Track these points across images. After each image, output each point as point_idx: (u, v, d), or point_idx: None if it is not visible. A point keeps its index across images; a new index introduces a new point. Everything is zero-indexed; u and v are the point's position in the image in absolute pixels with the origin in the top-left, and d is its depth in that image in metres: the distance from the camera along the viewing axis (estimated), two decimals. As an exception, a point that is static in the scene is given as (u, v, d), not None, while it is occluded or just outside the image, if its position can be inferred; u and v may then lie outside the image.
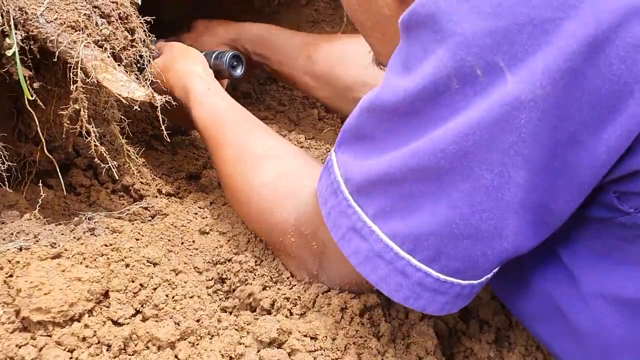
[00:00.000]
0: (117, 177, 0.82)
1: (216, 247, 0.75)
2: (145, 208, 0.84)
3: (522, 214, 0.48)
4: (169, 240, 0.76)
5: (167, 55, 0.92)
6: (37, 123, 0.73)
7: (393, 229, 0.52)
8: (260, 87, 1.29)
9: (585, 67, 0.42)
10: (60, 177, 0.78)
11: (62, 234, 0.72)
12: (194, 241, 0.77)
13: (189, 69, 0.87)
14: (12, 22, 0.65)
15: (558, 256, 0.57)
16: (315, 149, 1.09)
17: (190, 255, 0.75)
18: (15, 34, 0.66)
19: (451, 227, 0.49)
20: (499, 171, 0.46)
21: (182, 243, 0.77)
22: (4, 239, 0.70)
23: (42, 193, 0.76)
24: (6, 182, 0.71)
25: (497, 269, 0.54)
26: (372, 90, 0.55)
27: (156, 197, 0.90)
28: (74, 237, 0.71)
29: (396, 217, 0.52)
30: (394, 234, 0.52)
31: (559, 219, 0.50)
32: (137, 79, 0.73)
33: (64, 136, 0.84)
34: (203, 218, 0.82)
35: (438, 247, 0.50)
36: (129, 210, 0.83)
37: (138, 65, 0.75)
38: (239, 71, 0.97)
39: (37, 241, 0.69)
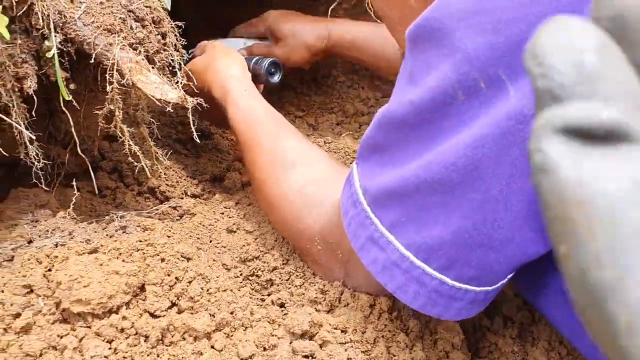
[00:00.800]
0: (149, 176, 0.84)
1: (243, 245, 0.77)
2: (174, 208, 0.86)
3: (533, 222, 0.49)
4: (198, 238, 0.78)
5: (208, 54, 0.95)
6: (72, 124, 0.76)
7: (408, 238, 0.54)
8: (278, 93, 1.31)
9: None
10: (93, 177, 0.80)
11: (95, 232, 0.74)
12: (221, 239, 0.79)
13: (229, 69, 0.89)
14: (51, 25, 0.68)
15: None
16: (334, 152, 1.11)
17: (219, 253, 0.77)
18: (55, 36, 0.68)
19: (464, 236, 0.51)
20: (507, 182, 0.48)
21: (211, 241, 0.78)
22: (39, 236, 0.72)
23: (74, 192, 0.78)
24: (42, 181, 0.73)
25: (511, 275, 0.55)
26: (384, 106, 0.57)
27: (182, 198, 0.92)
28: (107, 235, 0.73)
29: (411, 228, 0.54)
30: (409, 244, 0.54)
31: None
32: (170, 81, 0.75)
33: (90, 139, 0.87)
34: (229, 217, 0.83)
35: (452, 255, 0.52)
36: (157, 209, 0.85)
37: (170, 68, 0.77)
38: (276, 78, 1.00)
39: (72, 237, 0.71)
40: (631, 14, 0.19)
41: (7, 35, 0.59)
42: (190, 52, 1.03)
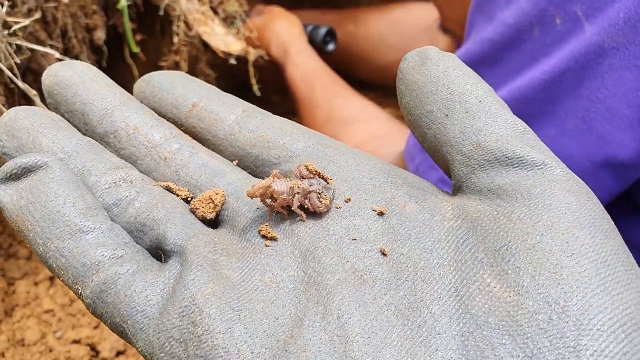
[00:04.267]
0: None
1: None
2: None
3: (603, 165, 0.49)
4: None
5: (268, 15, 0.96)
6: (136, 76, 0.77)
7: None
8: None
9: None
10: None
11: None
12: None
13: (288, 30, 0.91)
14: (121, -24, 0.69)
15: (635, 205, 0.59)
16: (384, 107, 1.11)
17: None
18: (124, -13, 0.69)
19: None
20: (583, 117, 0.48)
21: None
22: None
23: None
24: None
25: None
26: (458, 49, 0.57)
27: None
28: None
29: None
30: None
31: (638, 172, 0.51)
32: (233, 33, 0.76)
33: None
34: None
35: None
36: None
37: (232, 20, 0.77)
38: (331, 46, 1.01)
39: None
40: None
41: (86, -14, 0.61)
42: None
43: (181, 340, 0.22)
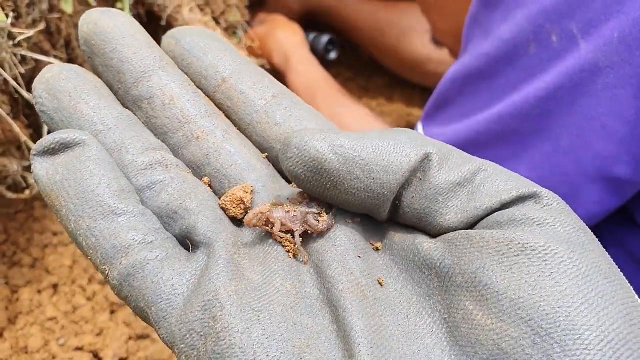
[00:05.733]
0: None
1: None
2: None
3: (599, 181, 0.50)
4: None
5: (270, 24, 0.97)
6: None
7: None
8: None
9: None
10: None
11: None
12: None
13: (291, 38, 0.93)
14: (124, -13, 0.70)
15: (635, 220, 0.59)
16: (387, 115, 1.11)
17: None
18: (127, -2, 0.70)
19: None
20: (578, 134, 0.48)
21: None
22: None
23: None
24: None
25: None
26: (455, 62, 0.58)
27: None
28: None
29: None
30: None
31: (635, 189, 0.51)
32: (235, 43, 0.77)
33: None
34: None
35: None
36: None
37: (234, 30, 0.78)
38: (333, 55, 1.02)
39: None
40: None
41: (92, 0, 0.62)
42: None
43: (202, 334, 0.22)
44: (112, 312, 0.65)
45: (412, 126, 1.06)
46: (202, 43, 0.29)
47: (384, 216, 0.25)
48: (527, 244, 0.21)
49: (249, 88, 0.29)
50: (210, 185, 0.28)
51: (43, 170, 0.25)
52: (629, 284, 0.21)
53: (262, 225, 0.25)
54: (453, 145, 0.56)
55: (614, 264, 0.21)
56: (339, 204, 0.26)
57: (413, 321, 0.22)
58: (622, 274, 0.21)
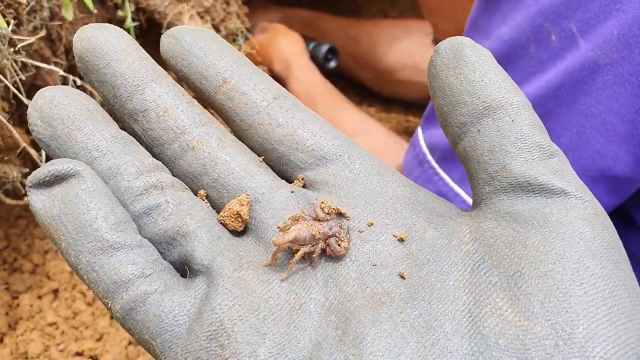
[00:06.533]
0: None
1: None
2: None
3: (598, 179, 0.50)
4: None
5: (271, 32, 0.98)
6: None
7: None
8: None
9: None
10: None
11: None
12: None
13: (291, 46, 0.94)
14: (125, -5, 0.70)
15: (634, 220, 0.59)
16: (386, 122, 1.12)
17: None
18: (129, 6, 0.71)
19: None
20: (578, 132, 0.49)
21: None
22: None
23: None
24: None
25: None
26: None
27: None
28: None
29: None
30: None
31: (634, 187, 0.51)
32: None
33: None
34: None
35: None
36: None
37: (234, 37, 0.79)
38: (332, 63, 1.03)
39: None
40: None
41: (91, 5, 0.62)
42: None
43: None
44: (112, 317, 0.65)
45: (410, 132, 1.07)
46: (202, 43, 0.29)
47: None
48: (564, 255, 0.22)
49: (250, 89, 0.29)
50: (207, 197, 0.28)
51: (40, 203, 0.26)
52: None
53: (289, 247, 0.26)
54: None
55: (637, 284, 0.23)
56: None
57: (435, 307, 0.23)
58: None
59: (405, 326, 0.23)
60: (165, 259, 0.27)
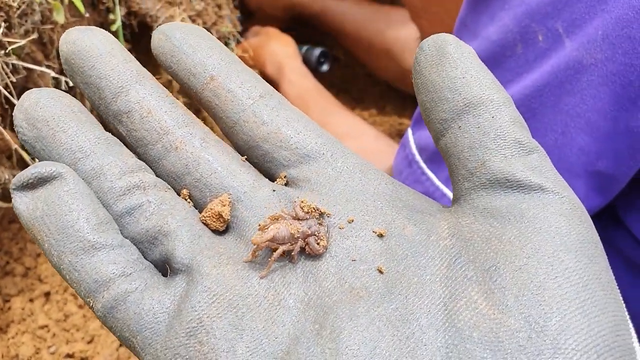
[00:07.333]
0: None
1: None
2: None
3: (584, 177, 0.50)
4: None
5: (263, 35, 0.99)
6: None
7: None
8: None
9: None
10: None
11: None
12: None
13: (284, 49, 0.94)
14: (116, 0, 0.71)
15: (620, 219, 0.59)
16: (379, 125, 1.12)
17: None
18: (119, 9, 0.71)
19: None
20: (563, 132, 0.49)
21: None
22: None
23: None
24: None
25: None
26: None
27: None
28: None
29: None
30: None
31: (620, 184, 0.51)
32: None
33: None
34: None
35: None
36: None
37: (226, 40, 0.79)
38: (325, 67, 1.03)
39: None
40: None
41: (82, 9, 0.62)
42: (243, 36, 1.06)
43: (187, 357, 0.24)
44: (103, 319, 0.65)
45: (403, 135, 1.07)
46: (191, 40, 0.30)
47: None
48: (539, 250, 0.22)
49: (236, 87, 0.29)
50: (190, 196, 0.29)
51: (23, 205, 0.26)
52: (621, 299, 0.23)
53: (268, 246, 0.26)
54: None
55: (613, 278, 0.23)
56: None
57: (411, 301, 0.23)
58: (617, 288, 0.23)
59: (382, 320, 0.23)
60: (147, 258, 0.27)
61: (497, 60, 0.52)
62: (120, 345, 0.63)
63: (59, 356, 0.61)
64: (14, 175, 0.60)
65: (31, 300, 0.67)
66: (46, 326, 0.64)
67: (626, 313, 0.22)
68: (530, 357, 0.20)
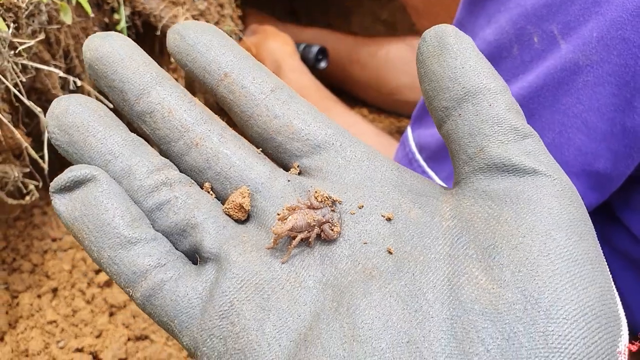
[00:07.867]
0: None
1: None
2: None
3: (581, 176, 0.52)
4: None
5: (262, 34, 0.99)
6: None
7: None
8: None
9: (636, 36, 0.45)
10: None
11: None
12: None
13: (282, 47, 0.95)
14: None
15: (617, 216, 0.61)
16: (379, 122, 1.13)
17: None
18: (124, 9, 0.72)
19: None
20: (560, 132, 0.50)
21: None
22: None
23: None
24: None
25: None
26: None
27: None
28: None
29: None
30: None
31: (616, 183, 0.53)
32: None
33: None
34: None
35: None
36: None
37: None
38: (323, 64, 1.04)
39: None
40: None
41: (88, 9, 0.63)
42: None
43: (221, 337, 0.26)
44: (111, 314, 0.67)
45: (402, 133, 1.08)
46: (205, 39, 0.31)
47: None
48: (533, 229, 0.25)
49: (249, 82, 0.31)
50: (212, 189, 0.31)
51: (62, 206, 0.29)
52: (608, 272, 0.25)
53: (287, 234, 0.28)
54: (443, 146, 0.59)
55: (602, 253, 0.25)
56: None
57: (418, 278, 0.25)
58: (605, 261, 0.25)
59: (393, 296, 0.25)
60: (177, 249, 0.29)
61: (494, 62, 0.53)
62: (129, 339, 0.64)
63: (69, 350, 0.62)
64: (22, 173, 0.61)
65: (39, 296, 0.68)
66: (55, 321, 0.66)
67: (612, 283, 0.24)
68: (526, 327, 0.22)
